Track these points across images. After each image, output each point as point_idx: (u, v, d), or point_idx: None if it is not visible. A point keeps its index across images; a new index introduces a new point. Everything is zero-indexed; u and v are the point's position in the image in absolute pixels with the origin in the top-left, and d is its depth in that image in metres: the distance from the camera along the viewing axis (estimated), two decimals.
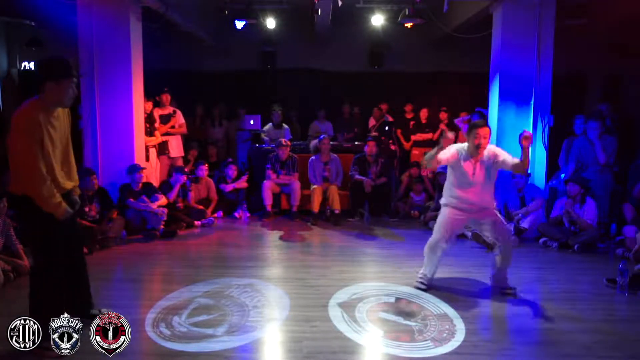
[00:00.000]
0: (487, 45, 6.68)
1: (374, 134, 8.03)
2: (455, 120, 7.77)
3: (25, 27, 9.30)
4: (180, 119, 7.35)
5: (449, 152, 4.04)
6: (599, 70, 9.36)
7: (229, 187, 7.18)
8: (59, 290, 3.16)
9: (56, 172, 3.05)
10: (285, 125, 8.25)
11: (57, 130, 3.05)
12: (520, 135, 3.85)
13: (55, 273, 3.12)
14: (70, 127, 3.23)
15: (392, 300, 4.02)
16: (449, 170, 4.18)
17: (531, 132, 6.27)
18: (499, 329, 3.55)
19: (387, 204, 7.22)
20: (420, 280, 4.24)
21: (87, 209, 5.51)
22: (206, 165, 7.09)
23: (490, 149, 4.06)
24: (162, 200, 6.19)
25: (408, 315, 3.73)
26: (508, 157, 4.02)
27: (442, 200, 4.25)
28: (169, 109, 7.25)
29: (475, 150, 3.97)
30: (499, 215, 4.21)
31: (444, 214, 4.19)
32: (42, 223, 3.03)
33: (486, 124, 4.06)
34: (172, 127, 7.24)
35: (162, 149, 7.14)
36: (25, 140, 2.89)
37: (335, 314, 3.71)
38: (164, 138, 7.13)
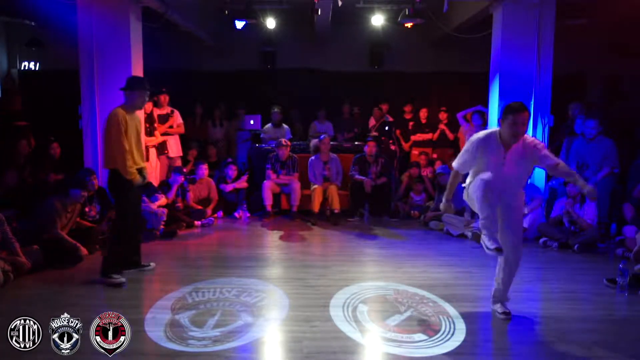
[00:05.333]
0: (487, 45, 6.68)
1: (374, 134, 8.03)
2: (457, 115, 7.77)
3: (25, 27, 9.29)
4: (178, 118, 7.35)
5: (472, 157, 3.46)
6: (599, 70, 9.37)
7: (229, 187, 7.18)
8: (127, 239, 4.46)
9: (133, 152, 4.34)
10: (285, 125, 8.25)
11: (132, 125, 4.34)
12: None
13: (126, 226, 4.43)
14: (141, 125, 4.62)
15: (392, 300, 4.02)
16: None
17: (531, 133, 6.29)
18: (499, 328, 3.55)
19: (387, 204, 7.22)
20: (489, 247, 3.34)
21: (87, 209, 5.51)
22: (206, 165, 7.09)
23: (529, 139, 3.42)
24: (162, 200, 6.20)
25: (408, 315, 3.73)
26: (550, 157, 3.42)
27: (466, 185, 3.61)
28: (166, 109, 7.25)
29: (512, 138, 3.33)
30: (523, 210, 3.65)
31: (476, 179, 3.40)
32: (122, 189, 4.32)
33: (525, 108, 3.34)
34: (170, 127, 7.24)
35: (161, 149, 7.14)
36: (114, 129, 4.20)
37: (335, 314, 3.71)
38: (163, 138, 7.13)
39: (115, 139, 4.20)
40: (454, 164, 3.61)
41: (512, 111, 3.31)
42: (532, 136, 3.54)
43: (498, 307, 3.72)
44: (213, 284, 4.29)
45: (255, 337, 3.36)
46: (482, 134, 3.48)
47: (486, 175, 3.33)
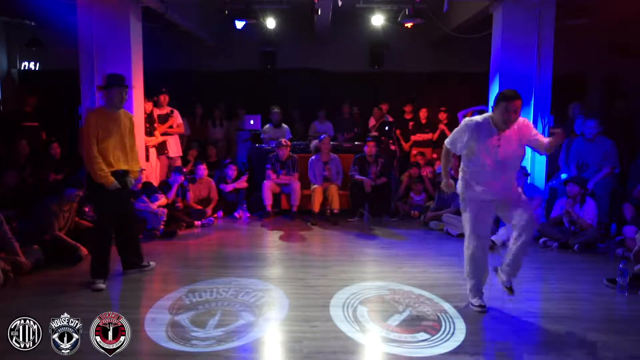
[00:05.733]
0: (487, 45, 6.68)
1: (374, 134, 8.03)
2: (458, 114, 7.77)
3: (25, 27, 9.30)
4: (178, 118, 7.35)
5: (462, 138, 3.57)
6: (599, 70, 9.37)
7: (229, 187, 7.18)
8: (107, 243, 4.33)
9: (109, 155, 4.15)
10: (284, 125, 8.25)
11: (113, 126, 4.17)
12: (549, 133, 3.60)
13: (104, 230, 4.31)
14: (131, 125, 4.36)
15: (392, 300, 4.02)
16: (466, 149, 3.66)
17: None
18: (499, 329, 3.55)
19: (387, 204, 7.22)
20: (473, 304, 3.79)
21: (86, 209, 5.51)
22: (204, 165, 7.09)
23: (521, 121, 3.54)
24: (162, 200, 6.20)
25: (409, 314, 3.73)
26: (541, 136, 3.56)
27: (459, 188, 3.74)
28: (166, 109, 7.25)
29: (504, 125, 3.47)
30: (524, 196, 3.72)
31: (467, 210, 3.70)
32: (96, 191, 4.22)
33: (518, 96, 3.44)
34: (171, 127, 7.24)
35: (161, 149, 7.15)
36: (85, 132, 4.11)
37: (335, 314, 3.71)
38: (163, 138, 7.13)
39: (85, 141, 4.12)
40: (446, 141, 3.75)
41: (505, 99, 3.43)
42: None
43: (475, 301, 3.79)
44: (213, 284, 4.29)
45: (255, 337, 3.36)
46: (476, 118, 3.60)
47: (476, 241, 3.70)
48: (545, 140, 3.53)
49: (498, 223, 6.16)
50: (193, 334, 3.38)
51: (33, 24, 9.06)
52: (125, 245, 4.54)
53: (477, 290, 3.83)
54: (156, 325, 3.48)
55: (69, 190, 5.08)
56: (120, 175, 4.25)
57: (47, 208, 4.96)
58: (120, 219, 4.39)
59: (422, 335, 3.40)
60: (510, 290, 3.81)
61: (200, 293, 4.09)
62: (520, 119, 3.54)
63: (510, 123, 3.47)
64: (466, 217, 3.75)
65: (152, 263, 4.75)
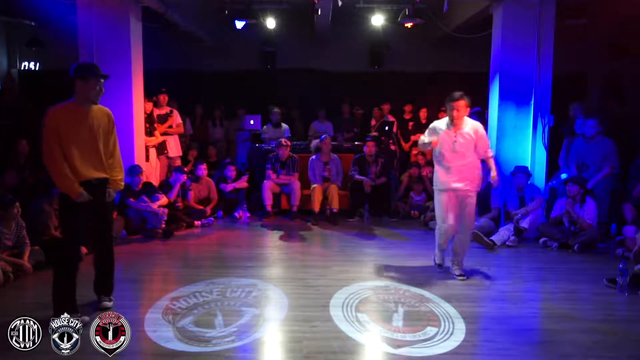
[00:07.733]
0: (487, 45, 6.68)
1: (374, 133, 8.04)
2: None
3: (25, 27, 9.30)
4: (177, 118, 7.35)
5: (434, 133, 4.51)
6: (599, 70, 9.37)
7: (229, 187, 7.18)
8: (71, 268, 3.54)
9: (75, 160, 3.41)
10: (284, 125, 8.25)
11: (81, 126, 3.44)
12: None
13: (68, 251, 3.54)
14: (110, 124, 3.63)
15: (392, 300, 4.02)
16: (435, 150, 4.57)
17: (531, 133, 6.29)
18: (499, 329, 3.55)
19: (387, 204, 7.22)
20: (435, 261, 4.90)
21: None
22: (205, 164, 7.09)
23: (475, 126, 4.43)
24: (163, 200, 6.20)
25: (409, 314, 3.73)
26: (482, 146, 4.44)
27: (434, 186, 4.67)
28: (166, 109, 7.25)
29: (452, 121, 4.38)
30: (474, 203, 4.56)
31: (438, 199, 4.58)
32: (62, 202, 3.50)
33: (460, 98, 4.34)
34: (170, 126, 7.24)
35: (161, 148, 7.14)
36: (45, 133, 3.36)
37: (335, 313, 3.71)
38: (163, 138, 7.13)
39: (44, 145, 3.37)
40: (419, 144, 4.75)
41: (450, 100, 4.37)
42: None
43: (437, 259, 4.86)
44: (213, 284, 4.29)
45: (255, 337, 3.36)
46: (438, 121, 4.59)
47: (447, 225, 4.51)
48: (489, 154, 4.47)
49: (498, 224, 6.17)
50: (208, 335, 3.36)
51: (33, 24, 9.06)
52: (100, 272, 3.80)
53: (441, 253, 4.81)
54: (157, 325, 3.48)
55: (56, 190, 5.05)
56: (94, 185, 3.52)
57: (41, 209, 4.95)
58: (97, 241, 3.74)
59: (431, 330, 3.43)
60: (465, 276, 4.55)
61: (200, 293, 4.09)
62: (480, 128, 4.44)
63: (457, 119, 4.37)
64: (438, 204, 4.59)
65: (111, 303, 3.78)
